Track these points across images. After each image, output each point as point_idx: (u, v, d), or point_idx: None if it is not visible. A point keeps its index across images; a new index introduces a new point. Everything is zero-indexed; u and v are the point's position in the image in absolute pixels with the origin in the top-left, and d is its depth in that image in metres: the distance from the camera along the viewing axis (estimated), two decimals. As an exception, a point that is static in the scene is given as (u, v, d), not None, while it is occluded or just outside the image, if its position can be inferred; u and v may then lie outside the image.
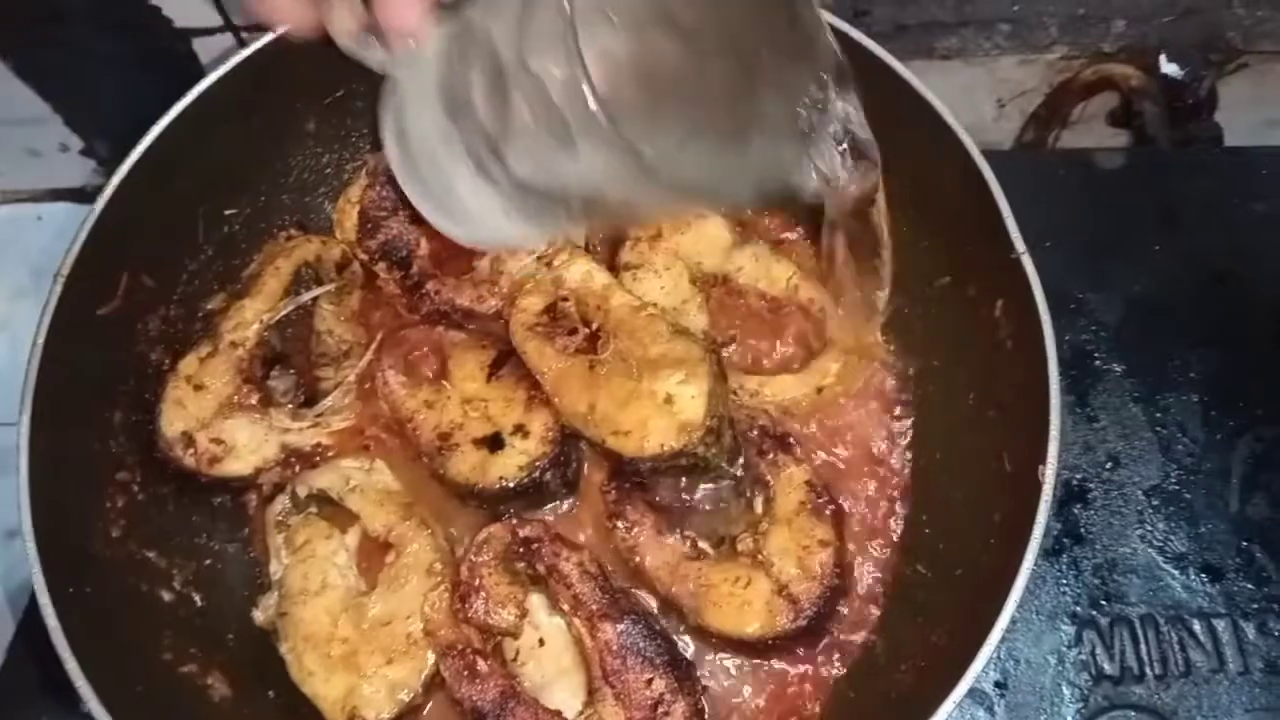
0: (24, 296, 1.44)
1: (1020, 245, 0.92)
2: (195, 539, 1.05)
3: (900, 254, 1.10)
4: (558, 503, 1.05)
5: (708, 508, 1.03)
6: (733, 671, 0.99)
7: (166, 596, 0.99)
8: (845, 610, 1.00)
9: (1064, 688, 1.08)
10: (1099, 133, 1.53)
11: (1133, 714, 1.08)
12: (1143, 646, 1.10)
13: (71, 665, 0.83)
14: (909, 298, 1.10)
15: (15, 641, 1.11)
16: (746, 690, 0.99)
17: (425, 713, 0.97)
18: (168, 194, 1.04)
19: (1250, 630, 1.10)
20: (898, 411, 1.09)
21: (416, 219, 1.14)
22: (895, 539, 1.04)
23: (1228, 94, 1.48)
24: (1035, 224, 0.95)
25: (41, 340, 0.93)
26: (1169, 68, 1.46)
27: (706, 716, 0.94)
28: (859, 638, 1.00)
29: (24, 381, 0.92)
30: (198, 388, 1.04)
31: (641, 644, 0.91)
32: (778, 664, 0.99)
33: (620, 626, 0.91)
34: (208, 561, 1.05)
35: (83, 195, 1.57)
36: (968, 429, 1.02)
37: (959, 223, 1.02)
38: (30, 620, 1.08)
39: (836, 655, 1.00)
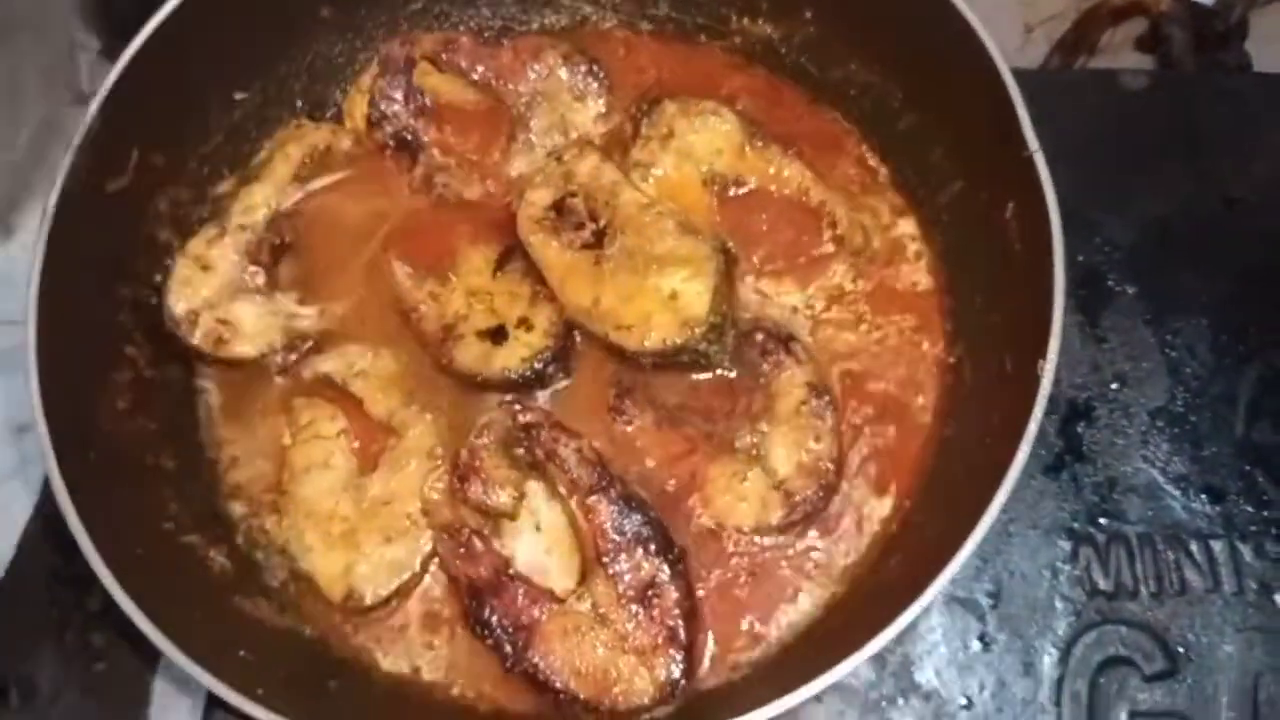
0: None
1: (1033, 143, 0.91)
2: (198, 415, 1.06)
3: (912, 162, 1.10)
4: (554, 387, 1.05)
5: (708, 404, 1.03)
6: (726, 559, 0.99)
7: (171, 470, 1.00)
8: (839, 506, 1.00)
9: (1057, 601, 1.08)
10: (1125, 62, 1.50)
11: (1124, 629, 1.08)
12: (1139, 564, 1.10)
13: (74, 522, 0.84)
14: (921, 205, 1.09)
15: (31, 529, 1.11)
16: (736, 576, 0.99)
17: (419, 593, 0.99)
18: (179, 74, 1.04)
19: (1247, 552, 1.10)
20: (909, 315, 1.07)
21: (425, 111, 1.13)
22: (902, 441, 1.03)
23: (1260, 25, 1.44)
24: (1056, 142, 0.93)
25: (52, 212, 0.94)
26: (1200, -7, 1.42)
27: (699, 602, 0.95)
28: (858, 527, 1.00)
29: (34, 250, 0.92)
30: (205, 268, 1.04)
31: (636, 527, 0.91)
32: (769, 554, 0.99)
33: (614, 508, 0.91)
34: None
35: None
36: (975, 333, 1.02)
37: (973, 127, 1.00)
38: (45, 502, 1.09)
39: (827, 552, 1.00)
